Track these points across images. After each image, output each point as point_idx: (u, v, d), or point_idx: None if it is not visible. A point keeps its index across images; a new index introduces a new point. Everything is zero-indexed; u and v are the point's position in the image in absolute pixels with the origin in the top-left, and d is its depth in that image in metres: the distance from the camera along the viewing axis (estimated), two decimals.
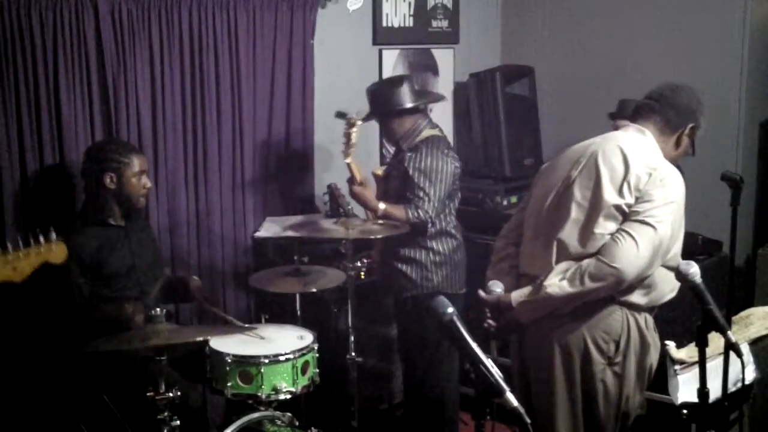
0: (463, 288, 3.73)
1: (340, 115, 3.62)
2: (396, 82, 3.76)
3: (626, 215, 2.60)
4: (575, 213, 2.68)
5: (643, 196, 2.60)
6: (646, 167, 2.63)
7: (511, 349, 2.93)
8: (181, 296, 3.54)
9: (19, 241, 2.22)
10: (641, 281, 2.62)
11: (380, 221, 3.50)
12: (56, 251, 2.28)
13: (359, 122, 3.56)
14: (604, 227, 2.61)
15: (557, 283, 2.61)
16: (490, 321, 2.74)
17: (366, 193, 3.63)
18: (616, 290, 2.61)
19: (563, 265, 2.64)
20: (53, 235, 2.28)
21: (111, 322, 3.01)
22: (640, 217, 2.58)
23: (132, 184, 3.24)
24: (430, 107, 4.82)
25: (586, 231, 2.64)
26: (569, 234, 2.67)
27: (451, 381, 3.80)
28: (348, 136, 3.57)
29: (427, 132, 3.68)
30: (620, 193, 2.62)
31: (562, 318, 2.67)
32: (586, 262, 2.60)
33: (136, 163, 3.24)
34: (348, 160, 3.58)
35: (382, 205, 3.55)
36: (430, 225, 3.55)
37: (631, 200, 2.61)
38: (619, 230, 2.59)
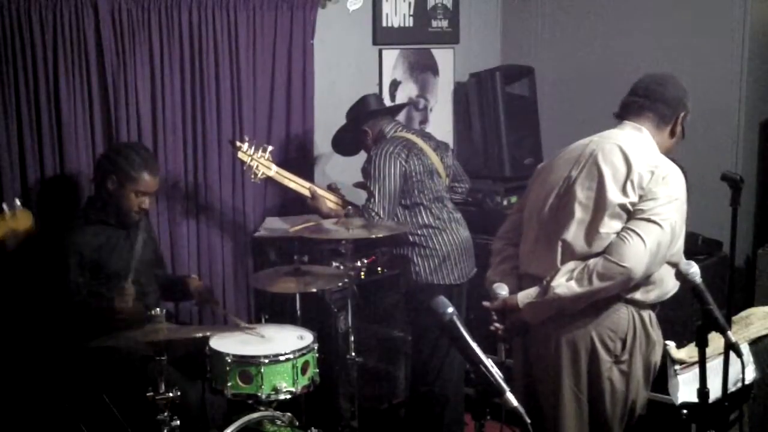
0: (461, 279, 3.76)
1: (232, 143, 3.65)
2: (359, 99, 3.89)
3: (631, 214, 2.60)
4: (579, 213, 2.67)
5: (647, 194, 2.60)
6: (648, 165, 2.63)
7: (514, 349, 2.93)
8: (180, 295, 3.55)
9: None
10: (646, 278, 2.63)
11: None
12: (21, 219, 2.32)
13: (242, 144, 3.56)
14: (610, 227, 2.61)
15: (564, 283, 2.60)
16: (497, 324, 2.74)
17: (316, 204, 3.68)
18: (623, 289, 2.61)
19: (569, 265, 2.64)
20: (17, 203, 2.32)
21: (103, 314, 3.02)
22: (645, 216, 2.57)
23: (129, 198, 3.22)
24: (430, 107, 4.88)
25: (592, 231, 2.63)
26: (575, 234, 2.66)
27: (453, 380, 3.81)
28: (242, 162, 3.59)
29: (391, 135, 3.74)
30: (624, 192, 2.62)
31: (569, 317, 2.67)
32: (592, 261, 2.59)
33: (142, 183, 3.21)
34: (254, 180, 3.61)
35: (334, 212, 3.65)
36: (382, 219, 3.56)
37: (635, 199, 2.60)
38: (625, 229, 2.59)
